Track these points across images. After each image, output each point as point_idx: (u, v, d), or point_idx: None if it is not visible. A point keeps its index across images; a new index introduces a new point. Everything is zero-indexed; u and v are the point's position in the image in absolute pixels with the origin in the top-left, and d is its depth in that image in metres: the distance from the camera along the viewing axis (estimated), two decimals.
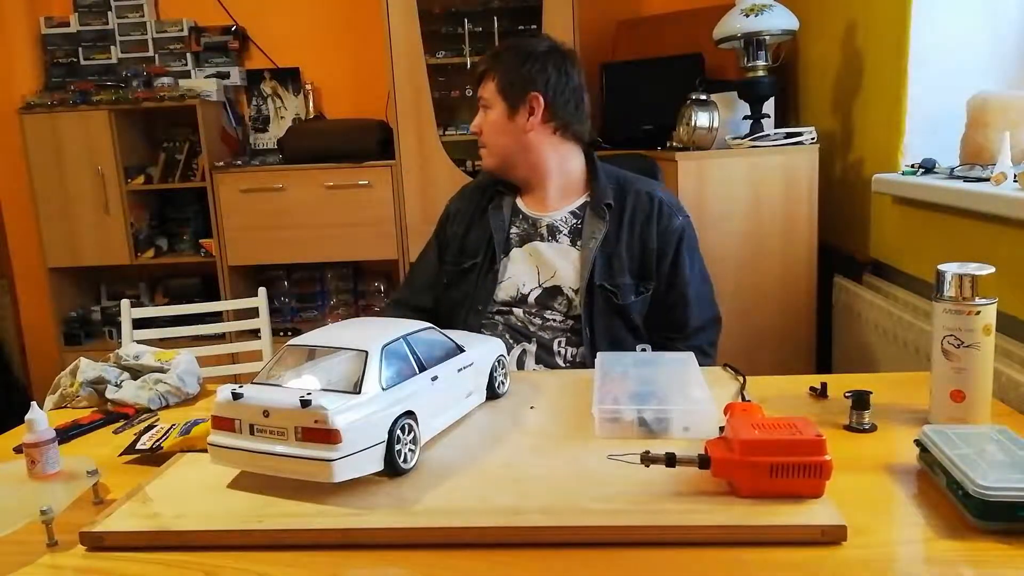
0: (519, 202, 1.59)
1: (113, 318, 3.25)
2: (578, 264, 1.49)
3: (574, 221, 1.53)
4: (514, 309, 1.52)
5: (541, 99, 1.49)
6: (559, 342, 1.49)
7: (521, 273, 1.52)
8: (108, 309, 3.32)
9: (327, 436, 0.79)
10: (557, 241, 1.52)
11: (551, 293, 1.50)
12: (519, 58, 1.51)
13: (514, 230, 1.56)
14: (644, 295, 1.49)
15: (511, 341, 1.49)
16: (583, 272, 1.48)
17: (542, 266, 1.52)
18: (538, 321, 1.50)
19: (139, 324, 2.09)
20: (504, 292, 1.52)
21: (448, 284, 1.59)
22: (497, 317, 1.52)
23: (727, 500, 0.79)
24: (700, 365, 1.17)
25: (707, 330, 1.54)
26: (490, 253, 1.54)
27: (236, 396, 0.84)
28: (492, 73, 1.52)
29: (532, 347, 1.48)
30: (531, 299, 1.51)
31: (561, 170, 1.55)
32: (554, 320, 1.50)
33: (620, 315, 1.47)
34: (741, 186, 2.10)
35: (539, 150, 1.53)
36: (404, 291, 1.71)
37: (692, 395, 1.03)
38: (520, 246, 1.54)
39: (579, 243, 1.51)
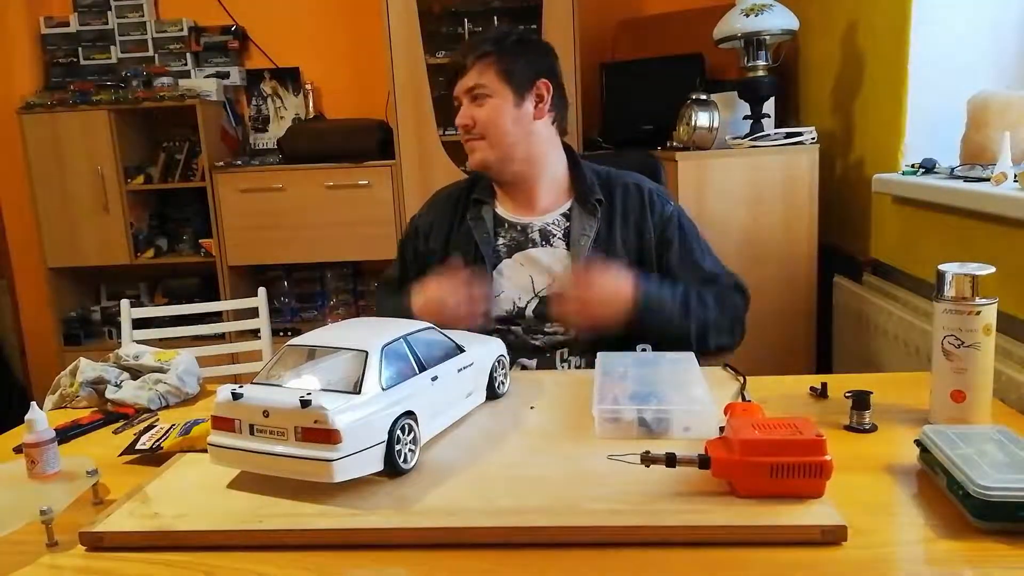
0: (500, 209, 1.50)
1: (113, 318, 3.25)
2: (571, 266, 1.42)
3: (566, 224, 1.46)
4: (512, 327, 1.44)
5: (550, 86, 1.44)
6: (562, 353, 1.43)
7: (515, 286, 1.44)
8: (108, 309, 3.32)
9: (327, 436, 0.79)
10: (552, 245, 1.45)
11: (550, 303, 1.42)
12: (521, 43, 1.45)
13: (500, 240, 1.47)
14: None
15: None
16: None
17: (538, 274, 1.44)
18: (540, 336, 1.44)
19: (139, 324, 2.09)
20: (498, 309, 1.44)
21: None
22: (494, 335, 1.40)
23: (727, 500, 0.79)
24: (737, 305, 1.21)
25: (737, 283, 1.45)
26: (478, 269, 1.43)
27: (236, 396, 0.84)
28: (493, 58, 1.41)
29: (532, 363, 1.43)
30: (529, 312, 1.44)
31: (553, 167, 1.49)
32: (557, 333, 1.43)
33: None
34: (741, 186, 2.10)
35: (541, 142, 1.46)
36: (393, 280, 1.57)
37: (692, 395, 1.03)
38: (510, 256, 1.46)
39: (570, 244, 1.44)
